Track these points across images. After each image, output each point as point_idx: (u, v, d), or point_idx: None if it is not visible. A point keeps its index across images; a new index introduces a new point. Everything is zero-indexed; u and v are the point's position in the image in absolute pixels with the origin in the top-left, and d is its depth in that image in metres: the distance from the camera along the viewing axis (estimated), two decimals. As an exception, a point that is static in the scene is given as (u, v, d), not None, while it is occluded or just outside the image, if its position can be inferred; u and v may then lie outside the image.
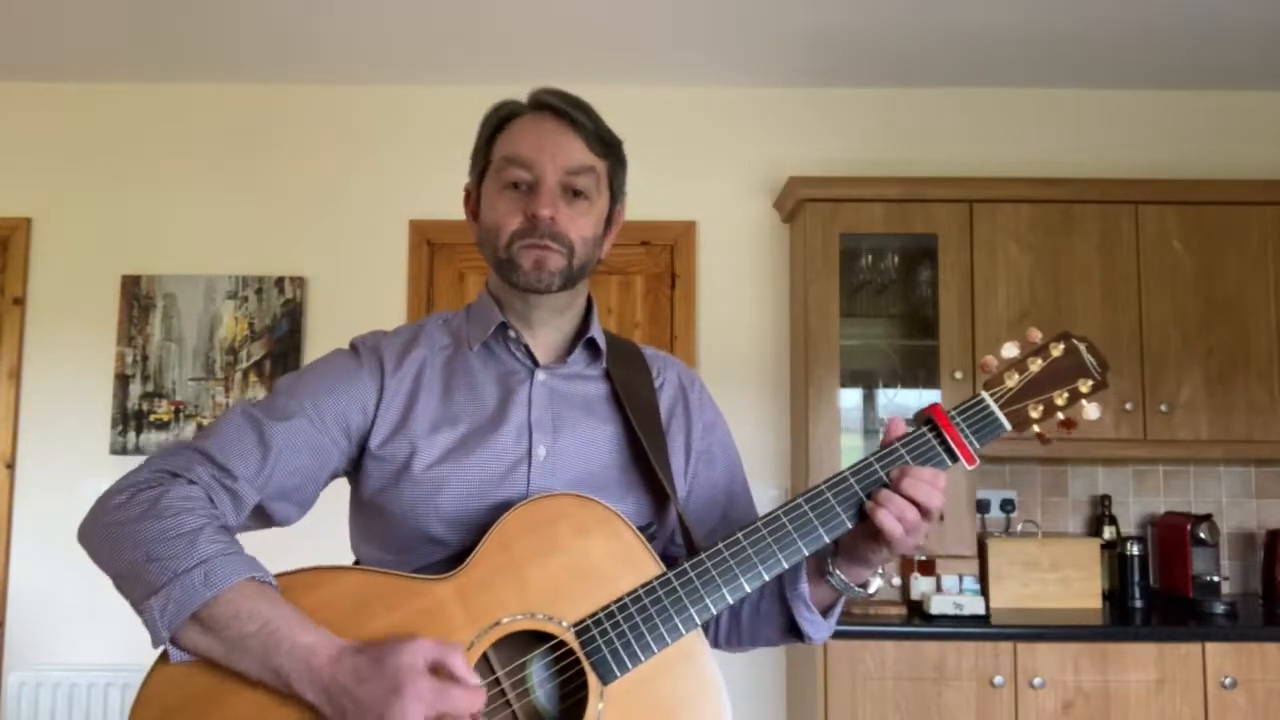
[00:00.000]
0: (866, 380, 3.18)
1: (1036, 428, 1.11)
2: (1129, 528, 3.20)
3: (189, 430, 3.24)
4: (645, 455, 1.13)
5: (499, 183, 1.14)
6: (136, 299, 3.29)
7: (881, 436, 1.08)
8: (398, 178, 3.35)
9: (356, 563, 1.15)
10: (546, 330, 1.19)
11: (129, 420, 3.25)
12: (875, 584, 1.12)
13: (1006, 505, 3.14)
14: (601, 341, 1.21)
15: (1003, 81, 3.33)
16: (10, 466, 3.25)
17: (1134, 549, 3.03)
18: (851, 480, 1.05)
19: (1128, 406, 2.93)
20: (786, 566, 1.02)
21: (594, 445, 1.14)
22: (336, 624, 0.93)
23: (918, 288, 3.17)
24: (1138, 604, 2.99)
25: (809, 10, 2.85)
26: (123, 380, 3.26)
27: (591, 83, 3.23)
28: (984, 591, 2.85)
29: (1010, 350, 1.14)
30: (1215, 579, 2.93)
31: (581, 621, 0.97)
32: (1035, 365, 1.14)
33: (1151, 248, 2.99)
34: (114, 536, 0.98)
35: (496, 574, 0.97)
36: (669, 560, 1.06)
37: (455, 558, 1.02)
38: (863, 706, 2.63)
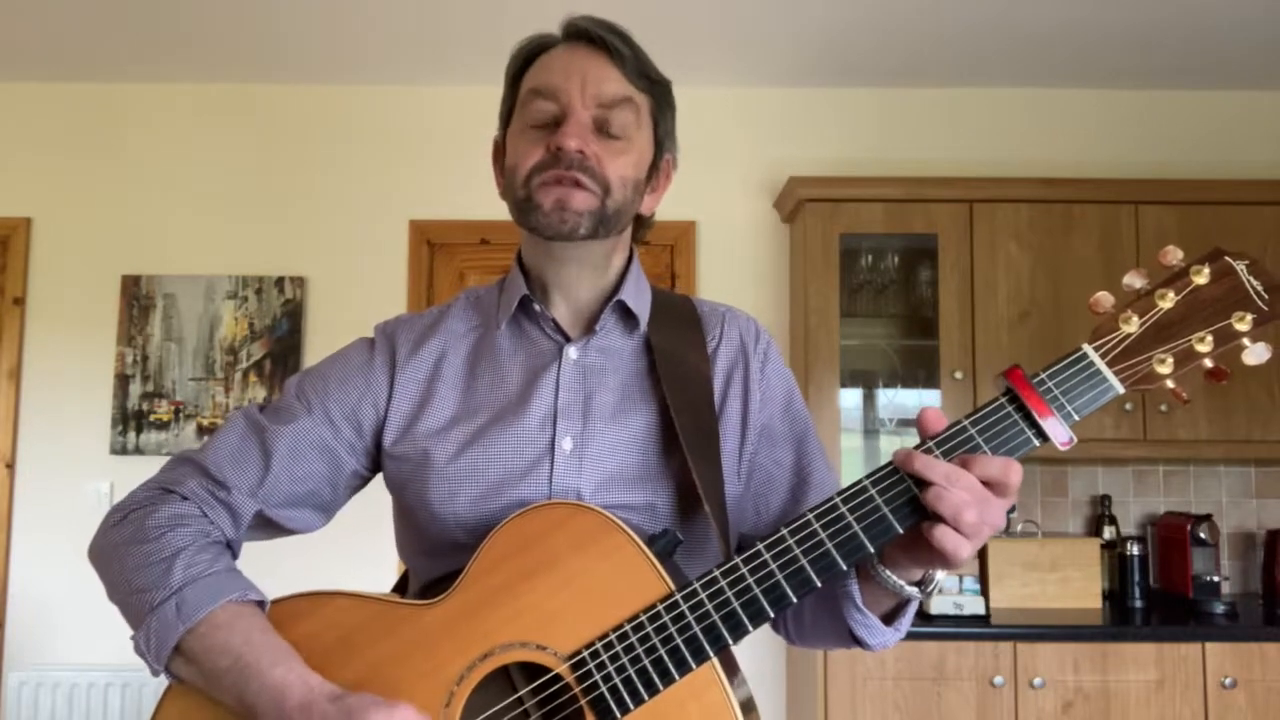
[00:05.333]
0: (866, 380, 3.18)
1: (1170, 383, 0.84)
2: (1129, 528, 3.20)
3: (189, 430, 3.24)
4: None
5: (523, 121, 1.00)
6: (136, 299, 3.29)
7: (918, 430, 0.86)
8: (398, 178, 3.35)
9: (404, 576, 1.11)
10: (577, 294, 1.04)
11: (129, 420, 3.25)
12: (938, 577, 0.89)
13: (1006, 505, 3.14)
14: (636, 303, 1.04)
15: (1003, 81, 3.33)
16: (10, 466, 3.25)
17: (1134, 549, 3.03)
18: (904, 472, 0.83)
19: (1127, 407, 2.92)
20: (819, 584, 0.84)
21: (628, 432, 0.99)
22: (322, 657, 0.89)
23: (918, 288, 3.17)
24: (1138, 604, 2.99)
25: (809, 10, 2.85)
26: (123, 380, 3.26)
27: (591, 83, 3.22)
28: (984, 591, 2.85)
29: (1134, 280, 0.84)
30: (1215, 579, 2.93)
31: (577, 653, 0.85)
32: (1167, 300, 0.83)
33: (1151, 248, 2.99)
34: (107, 561, 0.96)
35: (486, 597, 0.88)
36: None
37: None
38: (863, 706, 2.63)
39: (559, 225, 0.96)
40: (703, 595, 0.84)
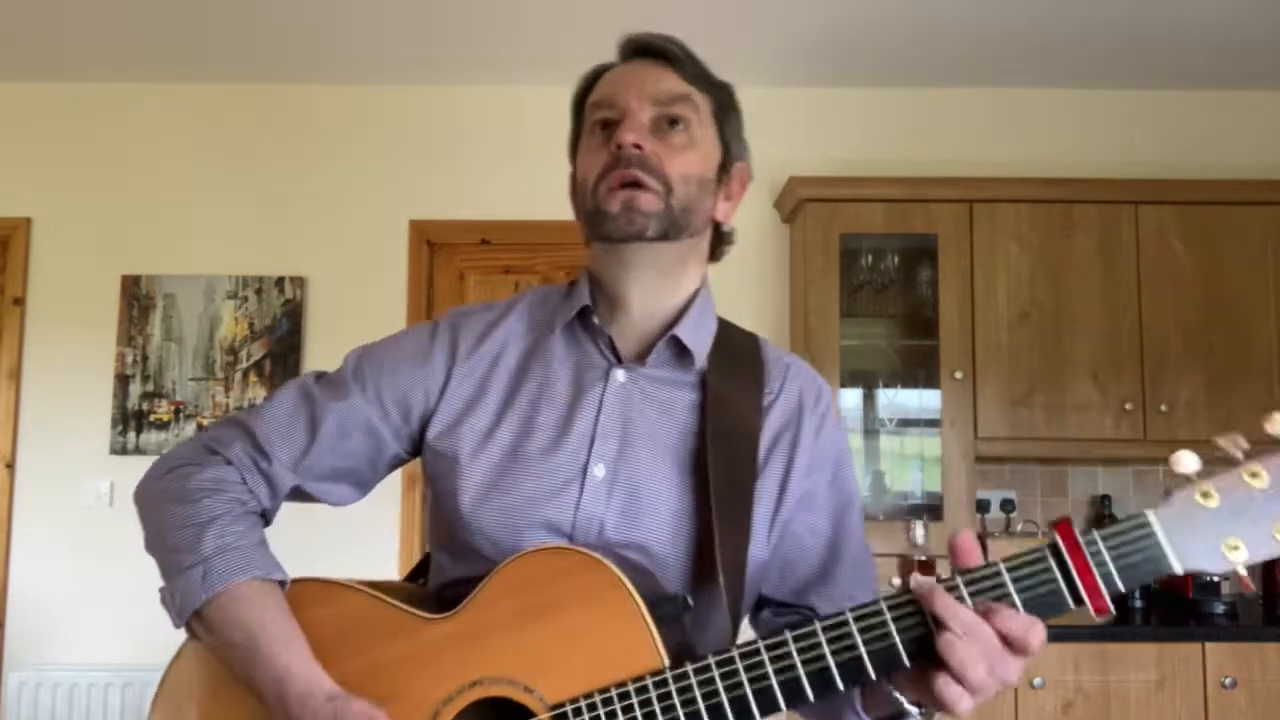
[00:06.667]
0: (866, 380, 3.18)
1: (1241, 570, 0.76)
2: (1129, 528, 3.20)
3: (189, 430, 3.24)
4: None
5: (587, 134, 1.01)
6: (136, 299, 3.29)
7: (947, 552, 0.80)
8: (398, 178, 3.35)
9: (418, 569, 1.12)
10: (644, 307, 1.02)
11: (129, 420, 3.25)
12: (964, 706, 0.80)
13: (1006, 505, 3.14)
14: (693, 339, 1.01)
15: (1003, 81, 3.32)
16: (10, 466, 3.25)
17: (1134, 549, 3.03)
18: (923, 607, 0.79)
19: (1128, 406, 2.92)
20: (812, 699, 0.80)
21: (661, 471, 0.97)
22: (325, 646, 0.92)
23: (918, 288, 3.17)
24: (1138, 604, 2.98)
25: (809, 11, 2.85)
26: (123, 380, 3.26)
27: (591, 83, 3.22)
28: (984, 591, 2.84)
29: (1229, 446, 0.75)
30: (1215, 579, 2.92)
31: (560, 705, 0.86)
32: (1259, 479, 0.74)
33: (1151, 248, 2.99)
34: (148, 511, 0.99)
35: (488, 626, 0.89)
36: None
37: None
38: (863, 706, 2.63)
39: (627, 227, 0.96)
40: (693, 680, 0.83)
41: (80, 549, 3.20)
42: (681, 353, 1.01)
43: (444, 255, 3.37)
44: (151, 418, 3.25)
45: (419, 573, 1.13)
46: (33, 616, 3.21)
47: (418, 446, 1.05)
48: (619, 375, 1.00)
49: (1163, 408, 2.93)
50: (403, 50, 3.13)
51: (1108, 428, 2.92)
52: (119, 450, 3.23)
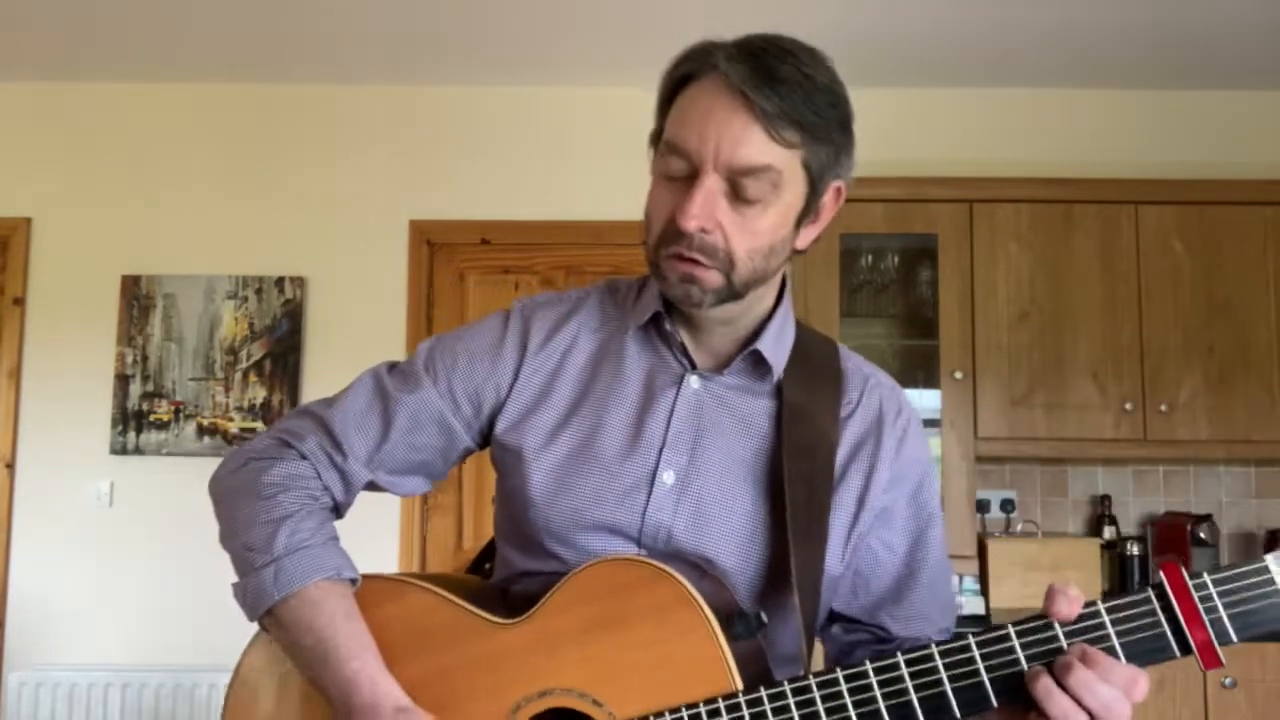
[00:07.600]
0: (866, 380, 3.17)
1: None
2: (1129, 528, 3.20)
3: (189, 430, 3.24)
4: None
5: (660, 168, 0.94)
6: (136, 299, 3.29)
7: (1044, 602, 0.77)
8: (398, 178, 3.35)
9: (484, 553, 1.12)
10: (710, 334, 1.00)
11: (129, 420, 3.25)
12: None
13: (1006, 505, 3.14)
14: (773, 353, 0.99)
15: (1003, 81, 3.32)
16: (10, 466, 3.25)
17: (1134, 549, 3.03)
18: (1015, 642, 0.76)
19: (1128, 406, 2.92)
20: None
21: (733, 483, 0.96)
22: (392, 646, 0.92)
23: (918, 288, 3.17)
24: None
25: (808, 11, 2.85)
26: (123, 380, 3.26)
27: (593, 84, 3.22)
28: (984, 592, 2.85)
29: None
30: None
31: None
32: None
33: (1151, 248, 2.99)
34: (222, 505, 0.99)
35: (558, 635, 0.89)
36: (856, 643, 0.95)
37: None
38: (863, 706, 2.63)
39: (684, 299, 0.93)
40: (766, 706, 0.81)
41: (80, 549, 3.20)
42: (759, 362, 0.99)
43: (444, 255, 3.37)
44: (151, 418, 3.25)
45: (485, 557, 1.13)
46: (33, 616, 3.21)
47: (487, 439, 1.04)
48: (693, 382, 0.99)
49: (1163, 408, 2.93)
50: (403, 50, 3.13)
51: (1108, 428, 2.92)
52: (119, 450, 3.23)
